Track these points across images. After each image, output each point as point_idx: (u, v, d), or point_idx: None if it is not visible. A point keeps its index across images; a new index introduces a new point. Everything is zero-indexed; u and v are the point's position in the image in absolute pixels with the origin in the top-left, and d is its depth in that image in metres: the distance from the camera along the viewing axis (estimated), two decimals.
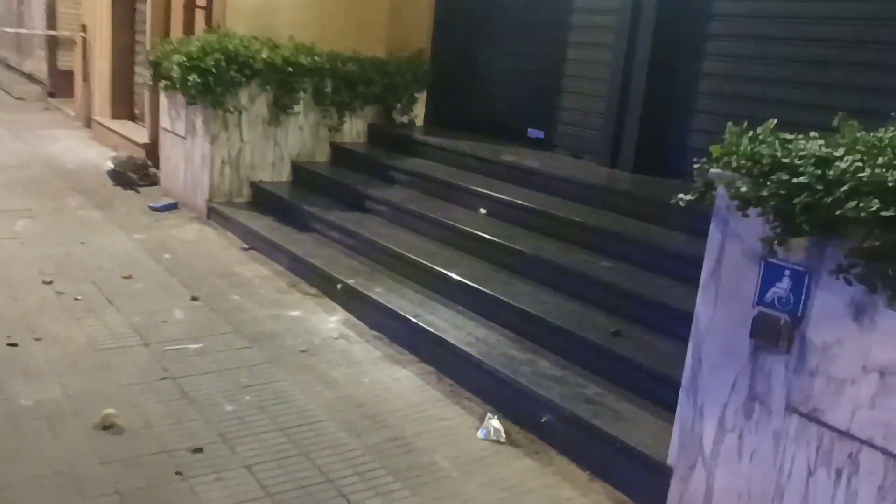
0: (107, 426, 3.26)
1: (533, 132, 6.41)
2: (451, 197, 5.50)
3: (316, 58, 6.62)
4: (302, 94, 6.63)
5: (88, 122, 10.62)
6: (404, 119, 7.15)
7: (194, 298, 4.79)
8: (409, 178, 5.95)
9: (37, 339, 4.03)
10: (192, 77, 6.14)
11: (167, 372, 3.82)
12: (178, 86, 6.41)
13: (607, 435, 3.13)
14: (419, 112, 7.26)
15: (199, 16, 7.51)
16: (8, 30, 15.23)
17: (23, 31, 14.63)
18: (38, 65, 14.10)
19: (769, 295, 2.47)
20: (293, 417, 3.50)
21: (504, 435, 3.44)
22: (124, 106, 9.89)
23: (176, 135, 7.02)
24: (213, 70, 6.11)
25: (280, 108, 6.56)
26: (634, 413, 3.28)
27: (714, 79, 5.09)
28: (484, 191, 5.28)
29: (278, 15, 6.99)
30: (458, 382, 3.89)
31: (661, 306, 3.70)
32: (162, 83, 6.72)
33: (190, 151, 6.74)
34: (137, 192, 7.37)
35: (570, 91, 6.06)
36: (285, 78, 6.47)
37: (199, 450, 3.16)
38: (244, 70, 6.28)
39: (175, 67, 6.31)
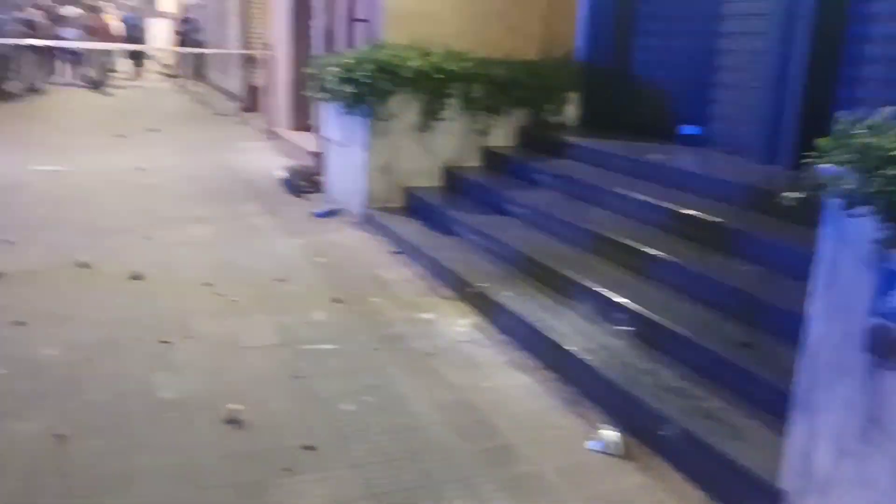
0: (232, 421, 3.46)
1: (687, 129, 6.10)
2: (591, 199, 5.37)
3: (465, 63, 6.70)
4: (452, 99, 6.73)
5: (273, 134, 11.38)
6: (556, 121, 7.06)
7: (337, 301, 4.98)
8: (552, 181, 5.87)
9: (188, 338, 4.36)
10: (347, 87, 6.42)
11: (299, 371, 3.99)
12: (335, 96, 6.72)
13: (721, 453, 2.92)
14: (572, 113, 7.14)
15: (360, 28, 7.84)
16: (204, 50, 16.59)
17: (218, 50, 15.92)
18: (235, 82, 15.31)
19: (886, 304, 2.19)
20: (408, 420, 3.55)
21: (618, 447, 3.30)
22: (302, 117, 10.50)
23: (337, 143, 7.36)
24: (366, 80, 6.35)
25: (430, 115, 6.70)
26: (755, 431, 3.04)
27: (885, 64, 4.60)
28: (624, 192, 5.11)
29: (434, 24, 7.14)
30: (579, 391, 3.77)
31: (797, 316, 3.39)
32: (321, 94, 7.06)
33: (348, 159, 7.04)
34: (305, 199, 7.78)
35: (725, 84, 5.71)
36: (435, 85, 6.59)
37: (312, 447, 3.28)
38: (395, 79, 6.47)
39: (331, 79, 6.62)
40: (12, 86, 15.66)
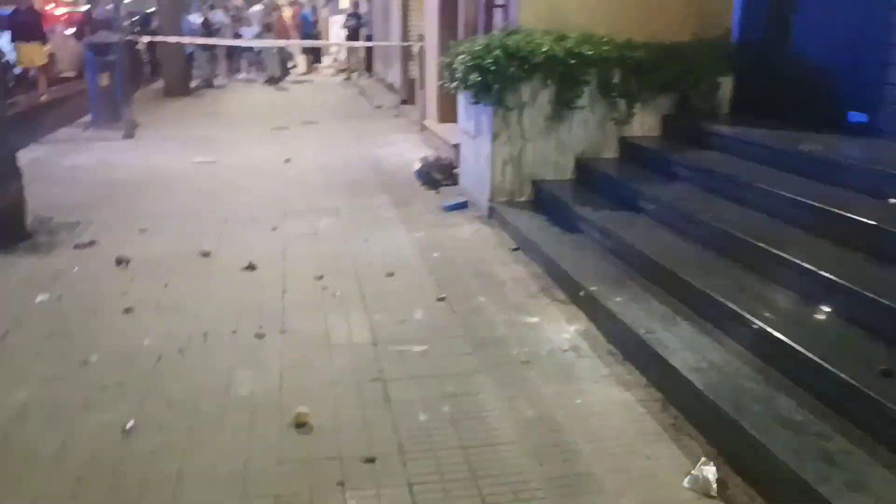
0: (299, 425, 3.28)
1: (854, 115, 5.30)
2: (730, 194, 4.76)
3: (603, 47, 6.21)
4: (588, 87, 6.26)
5: (424, 127, 11.28)
6: (705, 107, 6.41)
7: (440, 299, 4.72)
8: (691, 174, 5.28)
9: (282, 332, 4.25)
10: (474, 76, 6.13)
11: (381, 373, 3.77)
12: (464, 85, 6.44)
13: None
14: (723, 99, 6.46)
15: (499, 14, 7.52)
16: (368, 43, 16.84)
17: (380, 43, 16.11)
18: (397, 75, 15.44)
19: None
20: (481, 436, 3.22)
21: (712, 487, 2.80)
22: (449, 109, 10.31)
23: (468, 134, 7.09)
24: (493, 67, 6.02)
25: (563, 103, 6.25)
26: (884, 481, 2.45)
27: None
28: (767, 187, 4.48)
29: (573, 7, 6.69)
30: (684, 415, 3.28)
31: None
32: (453, 84, 6.80)
33: (477, 150, 6.76)
34: (438, 191, 7.57)
35: None
36: (568, 70, 6.15)
37: (371, 460, 3.04)
38: (524, 65, 6.09)
39: (460, 67, 6.35)
40: (193, 83, 16.70)
